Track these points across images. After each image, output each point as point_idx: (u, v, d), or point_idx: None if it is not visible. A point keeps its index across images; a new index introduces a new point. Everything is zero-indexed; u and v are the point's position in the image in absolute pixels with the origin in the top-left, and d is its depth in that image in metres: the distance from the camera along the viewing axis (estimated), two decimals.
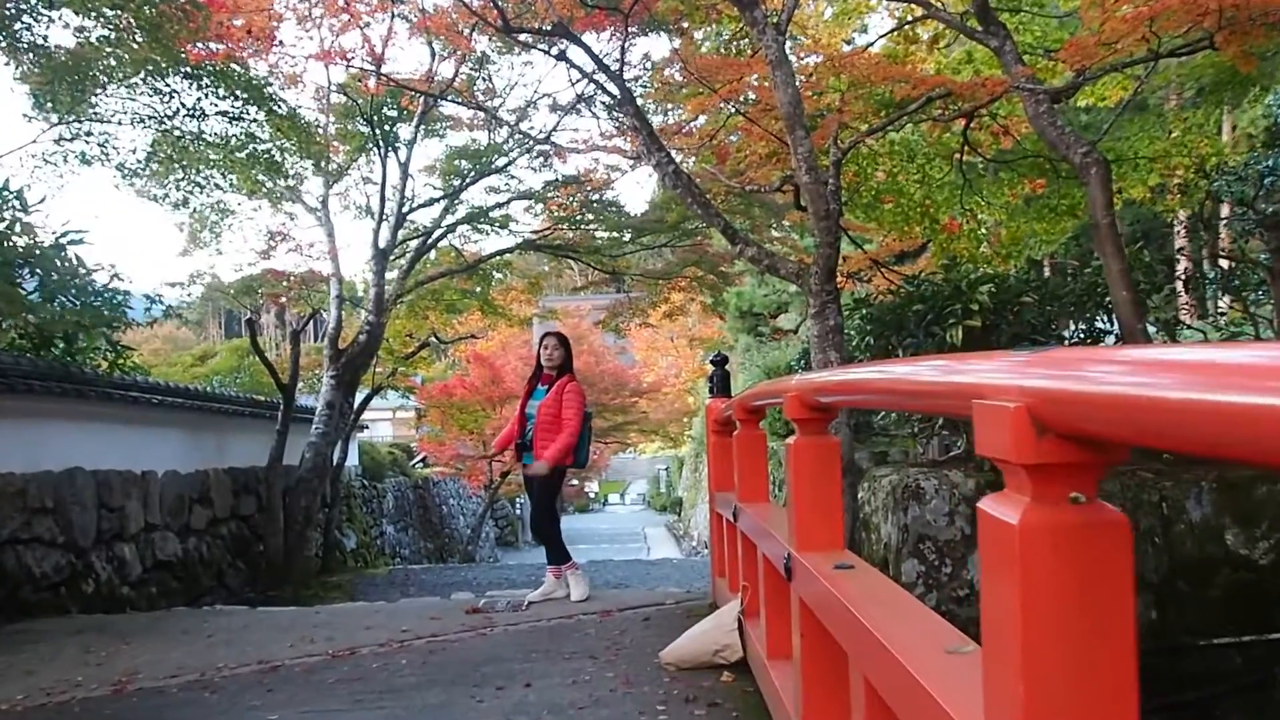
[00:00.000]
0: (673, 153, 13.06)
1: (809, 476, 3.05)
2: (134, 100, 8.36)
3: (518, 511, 33.18)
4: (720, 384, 6.46)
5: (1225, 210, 11.18)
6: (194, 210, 11.03)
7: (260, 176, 10.43)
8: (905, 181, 11.10)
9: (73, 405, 8.08)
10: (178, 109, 8.36)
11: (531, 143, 12.50)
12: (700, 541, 26.18)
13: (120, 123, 8.47)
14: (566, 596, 7.00)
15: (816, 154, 7.09)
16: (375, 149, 11.86)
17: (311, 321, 14.65)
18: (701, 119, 11.56)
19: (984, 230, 11.25)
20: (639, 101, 8.55)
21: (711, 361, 6.56)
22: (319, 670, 5.27)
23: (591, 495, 51.32)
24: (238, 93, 8.37)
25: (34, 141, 8.60)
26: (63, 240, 7.99)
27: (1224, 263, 9.54)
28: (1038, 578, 1.25)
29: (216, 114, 8.50)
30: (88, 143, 8.63)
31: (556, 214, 13.27)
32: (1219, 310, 13.62)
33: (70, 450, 8.00)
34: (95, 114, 8.40)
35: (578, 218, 13.24)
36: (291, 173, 10.57)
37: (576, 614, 6.49)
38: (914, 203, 11.18)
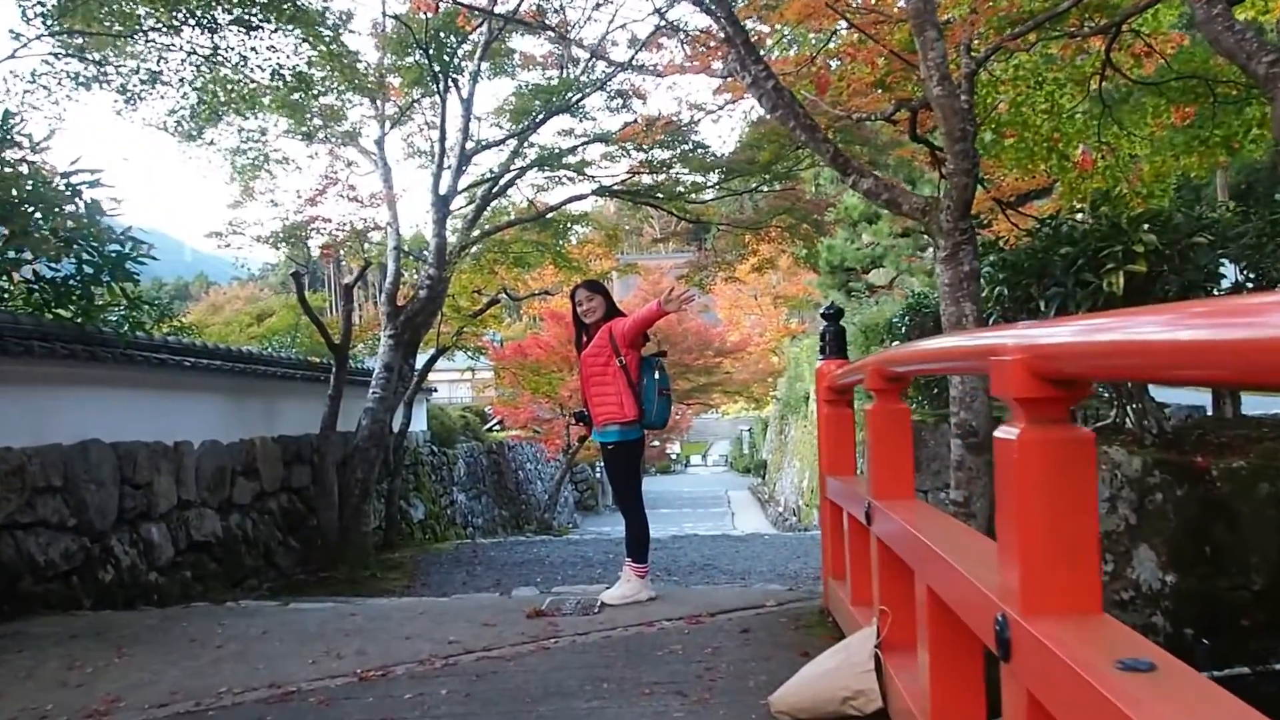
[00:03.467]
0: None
1: (1051, 492, 1.84)
2: (133, 9, 7.22)
3: (597, 475, 32.31)
4: (834, 343, 5.24)
5: None
6: (218, 148, 10.04)
7: (307, 116, 9.38)
8: (1030, 112, 9.67)
9: (87, 369, 7.12)
10: (184, 18, 7.17)
11: (611, 68, 11.25)
12: (788, 508, 24.98)
13: (119, 35, 7.34)
14: (650, 599, 5.84)
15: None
16: (433, 83, 10.70)
17: (375, 277, 13.66)
18: (793, 50, 10.26)
19: (1123, 167, 9.76)
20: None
21: (823, 315, 5.33)
22: (338, 701, 4.20)
23: (673, 457, 50.52)
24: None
25: (13, 55, 7.49)
26: (73, 180, 6.99)
27: None
28: None
29: (232, 23, 7.29)
30: (84, 61, 7.57)
31: (634, 148, 11.95)
32: None
33: (85, 421, 7.06)
34: (87, 27, 7.29)
35: (656, 149, 11.88)
36: (335, 103, 9.49)
37: (659, 621, 5.35)
38: (1040, 136, 9.75)
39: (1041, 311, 6.31)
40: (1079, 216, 6.81)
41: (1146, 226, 6.20)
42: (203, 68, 7.87)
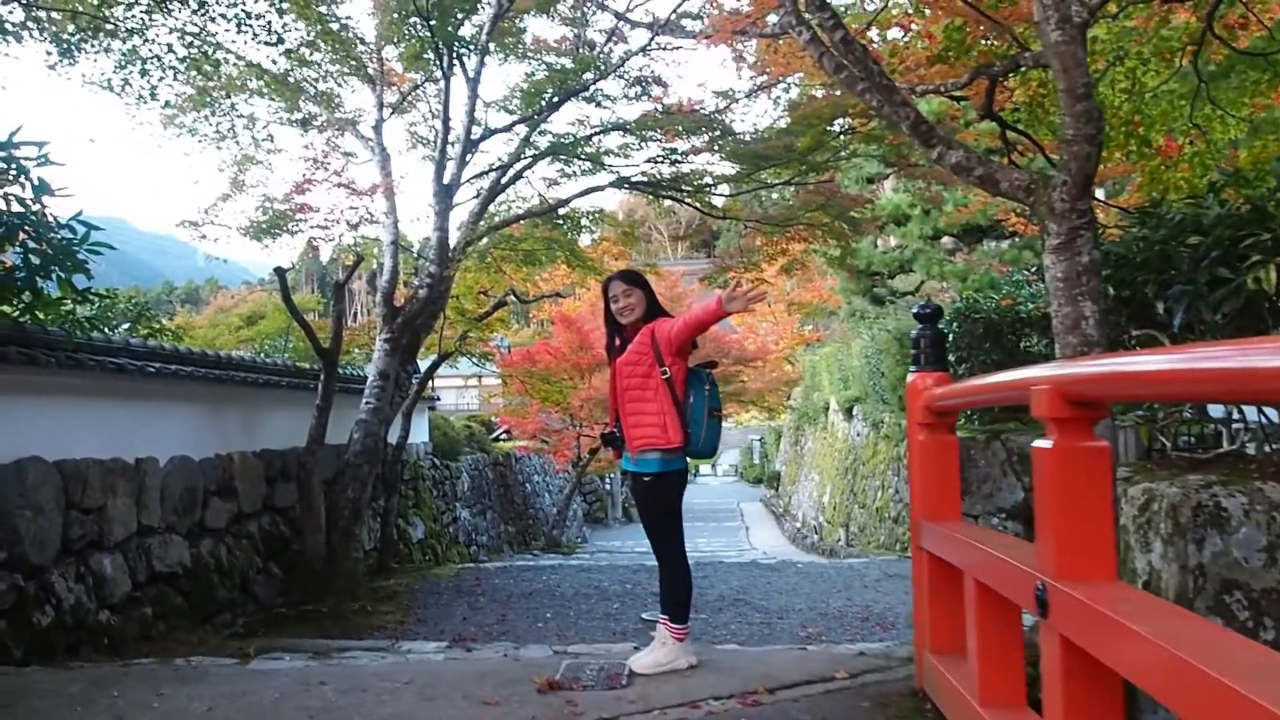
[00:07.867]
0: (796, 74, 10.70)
1: None
2: None
3: (606, 486, 31.36)
4: (930, 351, 4.18)
5: None
6: (185, 129, 8.99)
7: (296, 95, 8.33)
8: (1109, 92, 8.60)
9: (25, 375, 6.08)
10: None
11: (633, 44, 10.24)
12: (806, 524, 23.87)
13: None
14: (689, 668, 4.75)
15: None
16: (437, 60, 9.66)
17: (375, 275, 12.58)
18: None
19: (1215, 153, 8.67)
20: None
21: (917, 315, 4.26)
22: None
23: None
24: None
25: None
26: (15, 154, 5.95)
27: None
28: None
29: None
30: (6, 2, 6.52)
31: (656, 135, 10.90)
32: None
33: (22, 436, 6.01)
34: None
35: (679, 138, 10.82)
36: (325, 78, 8.45)
37: (704, 701, 4.27)
38: (1120, 119, 8.68)
39: (1161, 316, 5.26)
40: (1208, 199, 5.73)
41: None
42: (154, 15, 6.76)
